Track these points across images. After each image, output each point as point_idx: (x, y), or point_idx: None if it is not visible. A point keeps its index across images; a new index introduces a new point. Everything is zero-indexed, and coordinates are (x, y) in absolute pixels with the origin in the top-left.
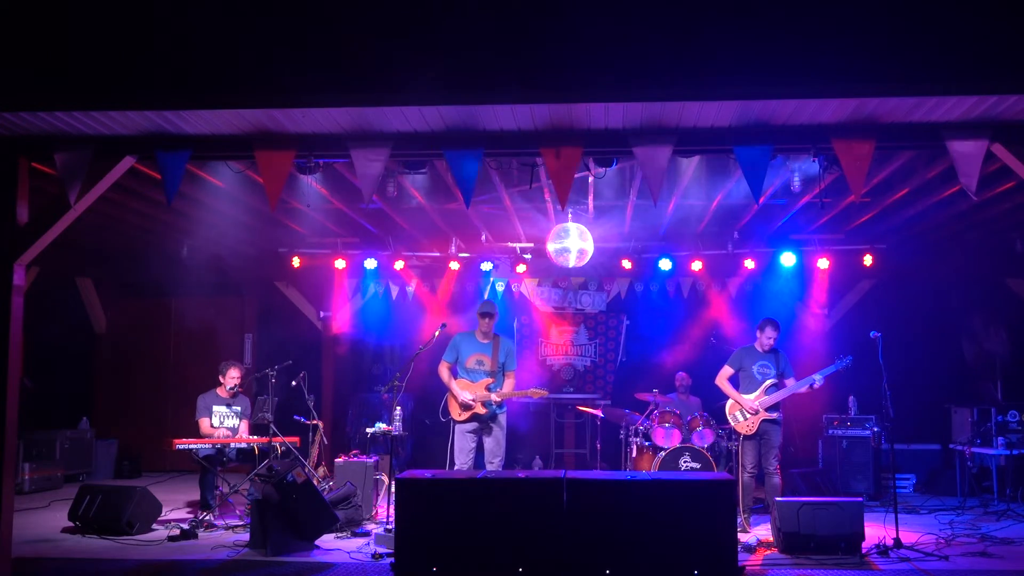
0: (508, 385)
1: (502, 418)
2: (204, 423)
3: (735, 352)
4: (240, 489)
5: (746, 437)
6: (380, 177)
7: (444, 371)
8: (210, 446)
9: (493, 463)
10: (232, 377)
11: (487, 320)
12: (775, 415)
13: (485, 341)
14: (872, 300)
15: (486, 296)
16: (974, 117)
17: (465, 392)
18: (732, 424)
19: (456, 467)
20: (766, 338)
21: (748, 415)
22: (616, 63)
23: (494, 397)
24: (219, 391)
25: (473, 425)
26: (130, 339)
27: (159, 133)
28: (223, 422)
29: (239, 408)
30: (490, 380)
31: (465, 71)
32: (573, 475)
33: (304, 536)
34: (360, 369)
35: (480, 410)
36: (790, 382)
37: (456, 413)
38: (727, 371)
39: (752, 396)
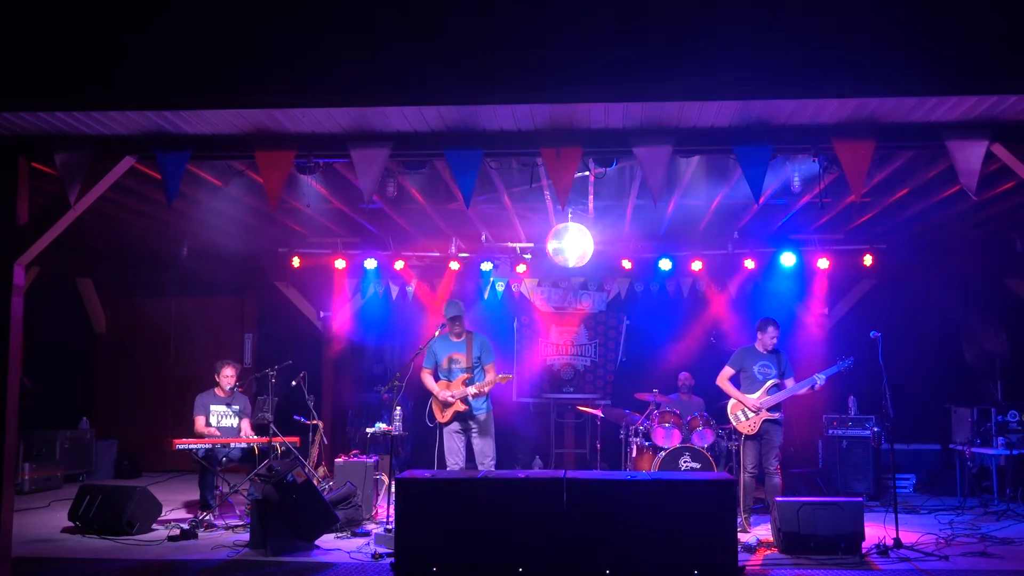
0: (488, 378)
1: (488, 416)
2: (199, 421)
3: (736, 352)
4: (240, 489)
5: (747, 437)
6: (380, 177)
7: (426, 378)
8: (209, 446)
9: (485, 463)
10: (227, 376)
11: (454, 324)
12: (776, 415)
13: (458, 340)
14: (872, 300)
15: (486, 296)
16: (974, 117)
17: (444, 391)
18: (734, 424)
19: (447, 469)
20: (768, 338)
21: (750, 415)
22: (616, 63)
23: (471, 390)
24: (217, 391)
25: (457, 425)
26: (130, 339)
27: (159, 133)
28: (220, 421)
29: (238, 407)
30: (467, 375)
31: (465, 71)
32: (573, 475)
33: (304, 536)
34: (360, 369)
35: (460, 406)
36: (790, 382)
37: (440, 415)
38: (728, 371)
39: (754, 396)
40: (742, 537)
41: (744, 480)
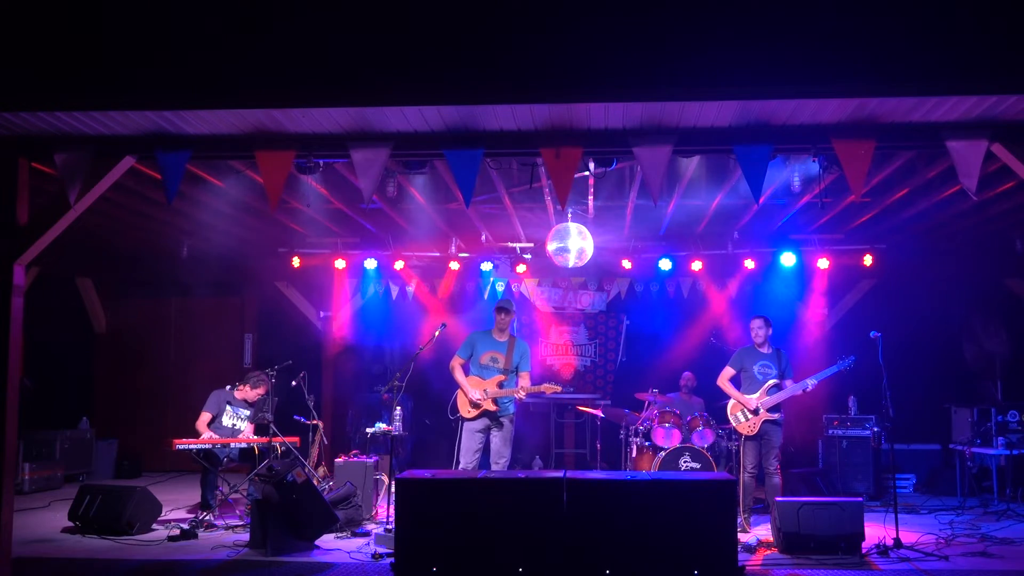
0: (521, 384)
1: (513, 419)
2: (203, 418)
3: (736, 353)
4: (240, 489)
5: (747, 437)
6: (380, 177)
7: (457, 369)
8: (209, 446)
9: (499, 463)
10: (258, 393)
11: (503, 315)
12: (776, 415)
13: (501, 339)
14: (872, 300)
15: (486, 296)
16: (974, 117)
17: (475, 389)
18: (734, 424)
19: (461, 467)
20: (752, 333)
21: (750, 415)
22: (616, 63)
23: (520, 394)
24: (238, 393)
25: (482, 424)
26: (130, 339)
27: (159, 133)
28: (235, 423)
29: (248, 413)
30: (502, 377)
31: (465, 71)
32: (573, 475)
33: (304, 536)
34: (360, 369)
35: (491, 407)
36: (788, 383)
37: (465, 410)
38: (728, 372)
39: (754, 396)
40: (742, 537)
41: (744, 480)
